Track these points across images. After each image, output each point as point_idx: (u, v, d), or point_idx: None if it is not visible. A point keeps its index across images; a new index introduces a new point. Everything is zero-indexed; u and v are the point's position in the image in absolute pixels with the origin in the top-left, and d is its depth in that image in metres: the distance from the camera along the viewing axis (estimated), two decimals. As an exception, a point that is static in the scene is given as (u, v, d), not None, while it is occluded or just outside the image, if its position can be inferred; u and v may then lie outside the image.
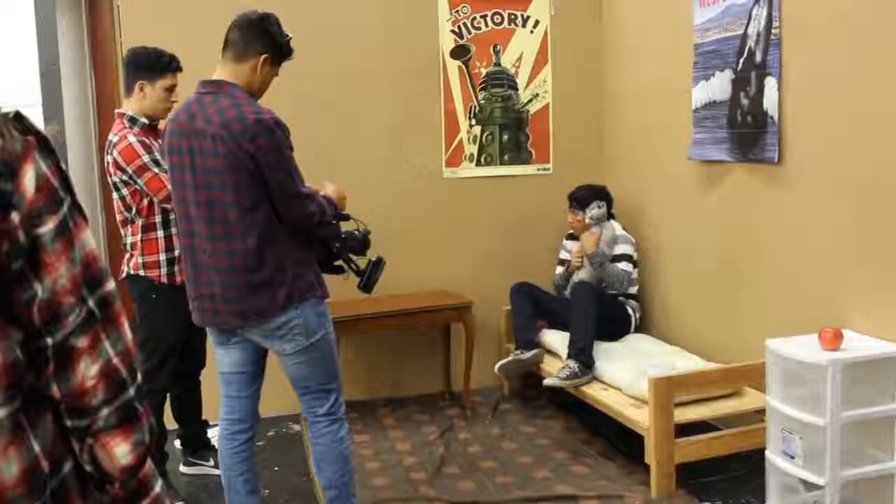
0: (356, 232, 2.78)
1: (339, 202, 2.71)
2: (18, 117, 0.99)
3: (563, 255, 4.45)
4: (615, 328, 4.12)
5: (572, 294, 4.08)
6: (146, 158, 3.07)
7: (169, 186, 2.94)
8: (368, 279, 2.81)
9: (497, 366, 4.08)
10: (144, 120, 3.17)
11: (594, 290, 4.03)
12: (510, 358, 4.08)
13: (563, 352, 3.94)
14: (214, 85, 2.51)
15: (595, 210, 4.23)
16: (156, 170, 3.06)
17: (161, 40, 3.27)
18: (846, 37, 3.00)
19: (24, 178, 0.96)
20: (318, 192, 2.62)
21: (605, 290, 4.15)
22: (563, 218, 4.42)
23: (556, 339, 4.13)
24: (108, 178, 3.19)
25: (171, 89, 3.19)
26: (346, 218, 2.79)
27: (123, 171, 3.09)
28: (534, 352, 4.07)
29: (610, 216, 4.32)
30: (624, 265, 4.16)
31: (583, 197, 4.28)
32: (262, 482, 3.23)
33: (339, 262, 2.77)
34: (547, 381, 3.82)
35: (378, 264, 2.82)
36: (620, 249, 4.20)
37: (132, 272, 3.19)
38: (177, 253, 3.15)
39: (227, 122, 2.41)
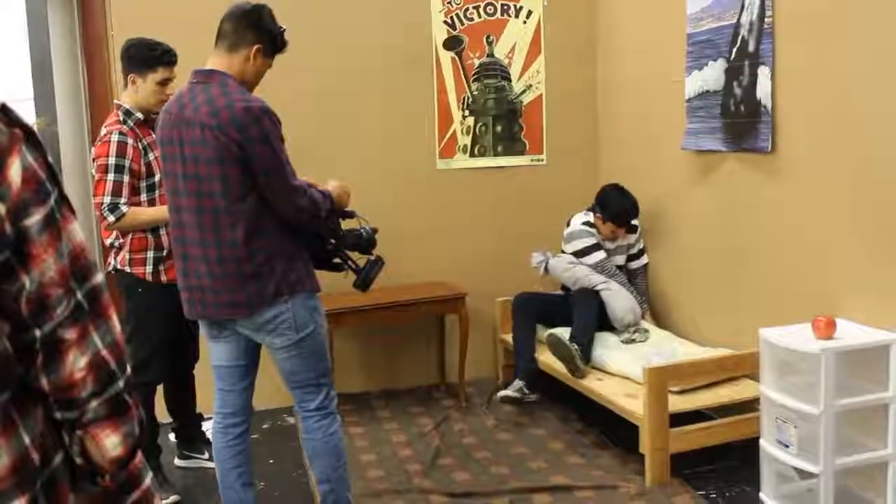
0: (362, 230, 2.74)
1: (338, 198, 2.65)
2: (4, 110, 0.99)
3: (589, 242, 4.18)
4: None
5: (575, 296, 4.04)
6: (111, 160, 3.03)
7: (107, 200, 3.00)
8: (365, 278, 2.77)
9: (500, 396, 4.00)
10: (139, 115, 3.14)
11: (595, 294, 4.02)
12: (518, 395, 3.94)
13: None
14: (206, 75, 2.49)
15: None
16: (110, 176, 3.02)
17: (153, 32, 3.24)
18: (840, 26, 2.99)
19: (10, 170, 0.96)
20: (315, 186, 2.58)
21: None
22: (557, 208, 4.40)
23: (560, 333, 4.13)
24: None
25: (164, 83, 3.14)
26: (351, 215, 2.75)
27: (94, 161, 3.09)
28: (536, 395, 4.01)
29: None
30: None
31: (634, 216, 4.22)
32: (257, 475, 3.23)
33: (337, 260, 2.74)
34: (554, 331, 3.86)
35: (376, 264, 2.78)
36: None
37: (119, 267, 3.18)
38: (164, 252, 3.15)
39: (216, 110, 2.39)
